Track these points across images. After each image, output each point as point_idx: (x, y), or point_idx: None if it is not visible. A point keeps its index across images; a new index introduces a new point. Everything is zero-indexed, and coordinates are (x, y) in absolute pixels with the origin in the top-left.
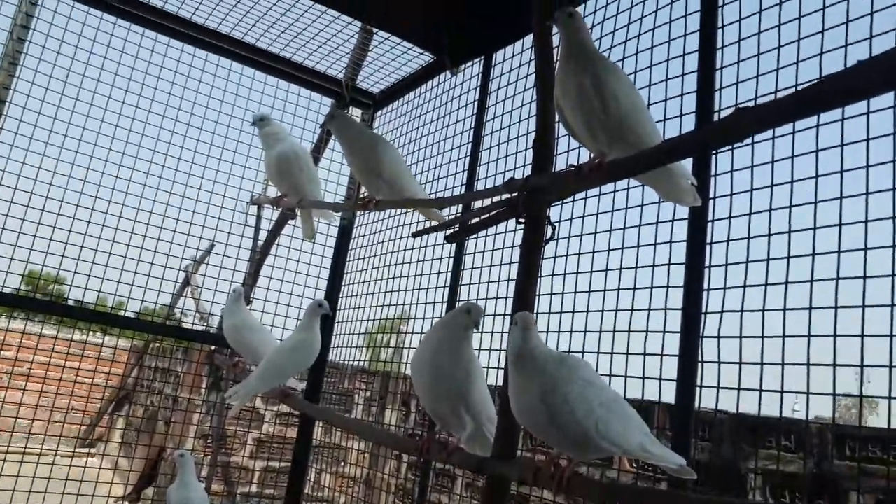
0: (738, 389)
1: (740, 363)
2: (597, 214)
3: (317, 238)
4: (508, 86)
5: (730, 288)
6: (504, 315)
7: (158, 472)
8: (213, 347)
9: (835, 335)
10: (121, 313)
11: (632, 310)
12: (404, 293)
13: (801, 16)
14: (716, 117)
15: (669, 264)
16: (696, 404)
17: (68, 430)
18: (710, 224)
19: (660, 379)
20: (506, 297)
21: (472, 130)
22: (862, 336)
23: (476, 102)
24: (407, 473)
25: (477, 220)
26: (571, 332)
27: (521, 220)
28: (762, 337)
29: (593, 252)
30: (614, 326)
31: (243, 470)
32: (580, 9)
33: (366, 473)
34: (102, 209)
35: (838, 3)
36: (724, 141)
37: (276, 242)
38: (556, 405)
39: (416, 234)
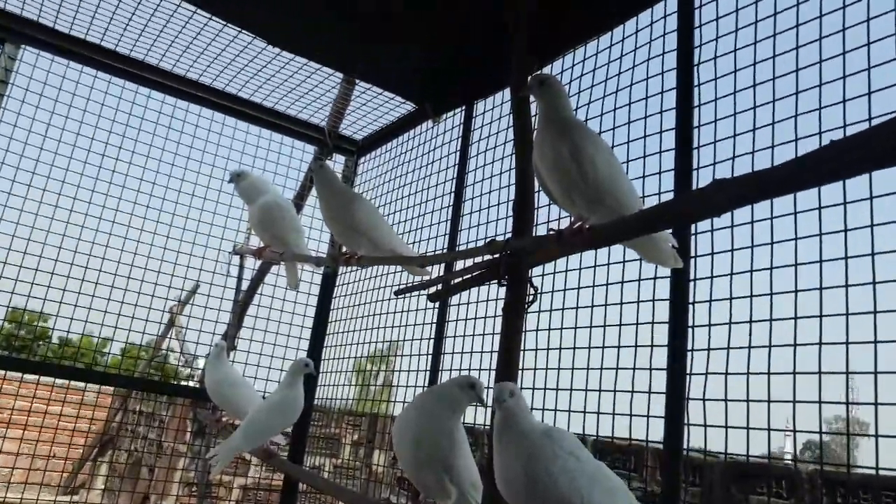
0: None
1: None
2: (579, 269)
3: (302, 284)
4: (490, 137)
5: (713, 349)
6: (489, 370)
7: None
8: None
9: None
10: (106, 349)
11: (616, 368)
12: (388, 345)
13: (775, 77)
14: (695, 175)
15: (653, 323)
16: (685, 448)
17: (49, 478)
18: (692, 283)
19: (647, 439)
20: (491, 352)
21: (454, 180)
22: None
23: (458, 152)
24: None
25: (459, 280)
26: (557, 389)
27: (504, 282)
28: (747, 400)
29: (577, 307)
30: (600, 385)
31: None
32: (557, 64)
33: None
34: (85, 251)
35: (812, 65)
36: (705, 214)
37: (260, 291)
38: (540, 479)
39: (398, 293)
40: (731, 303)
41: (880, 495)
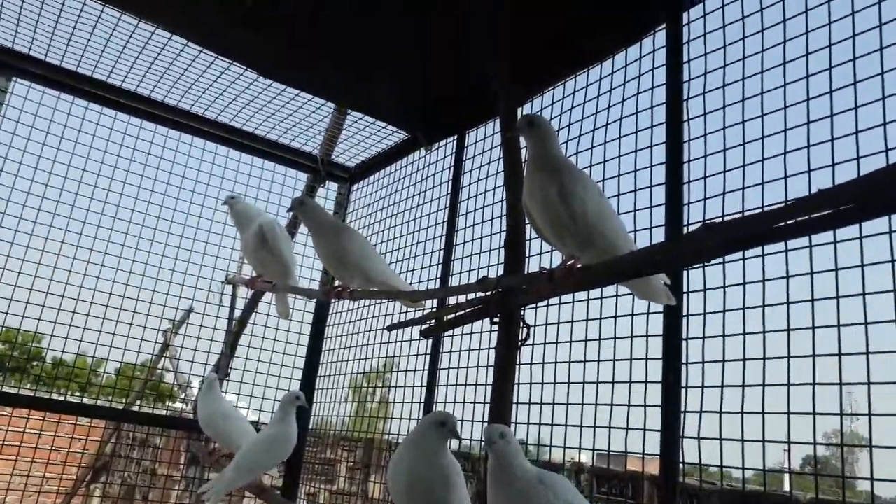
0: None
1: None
2: (572, 302)
3: (296, 309)
4: (482, 167)
5: (707, 387)
6: (484, 403)
7: None
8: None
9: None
10: (101, 369)
11: (611, 405)
12: (383, 376)
13: (764, 114)
14: (685, 210)
15: (647, 359)
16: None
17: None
18: (685, 319)
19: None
20: (486, 385)
21: (447, 209)
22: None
23: (450, 181)
24: None
25: (452, 316)
26: (552, 424)
27: (496, 320)
28: (742, 440)
29: (570, 341)
30: (595, 420)
31: None
32: (548, 96)
33: None
34: (80, 270)
35: (800, 126)
36: (694, 259)
37: (252, 321)
38: None
39: (391, 328)
40: (724, 340)
41: None
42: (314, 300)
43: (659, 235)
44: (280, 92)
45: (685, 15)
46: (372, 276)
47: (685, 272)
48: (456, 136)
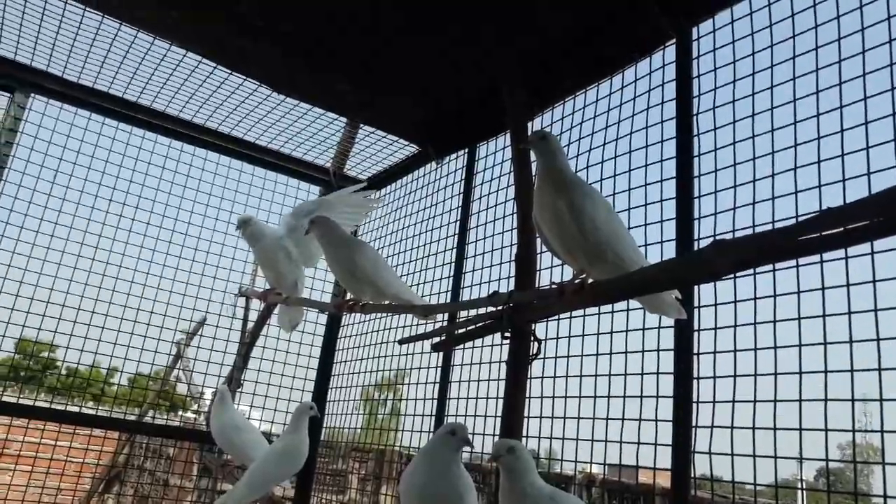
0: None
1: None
2: (583, 316)
3: (307, 324)
4: (492, 180)
5: (719, 402)
6: (495, 416)
7: None
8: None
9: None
10: (114, 380)
11: (623, 419)
12: (394, 388)
13: (774, 129)
14: (696, 225)
15: (658, 373)
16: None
17: None
18: (696, 333)
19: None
20: (497, 398)
21: (458, 222)
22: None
23: (461, 195)
24: None
25: (463, 331)
26: (563, 438)
27: (507, 335)
28: (753, 455)
29: (582, 355)
30: (606, 435)
31: None
32: (558, 110)
33: None
34: (95, 283)
35: (810, 141)
36: (706, 278)
37: (265, 334)
38: None
39: (403, 342)
40: (735, 355)
41: None
42: (326, 312)
43: (669, 250)
44: (293, 106)
45: (694, 30)
46: (384, 289)
47: (696, 287)
48: (466, 150)
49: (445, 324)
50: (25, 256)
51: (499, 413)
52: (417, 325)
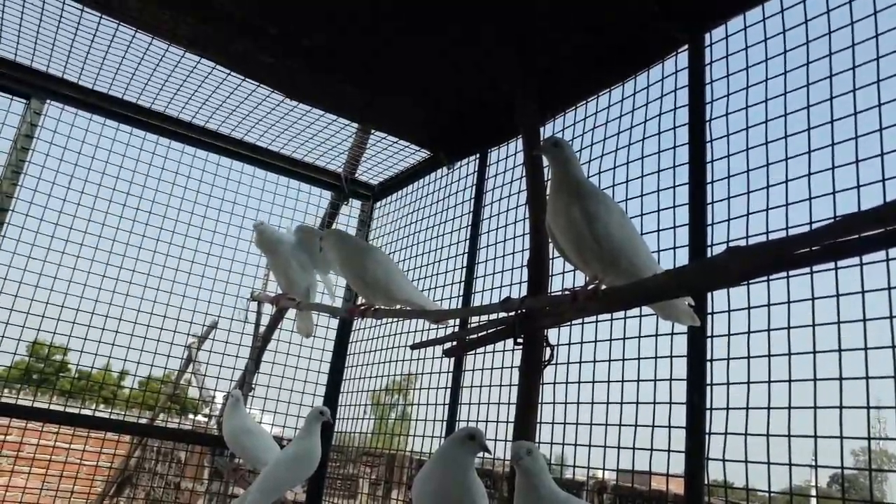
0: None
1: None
2: (596, 322)
3: (318, 329)
4: (504, 186)
5: (733, 409)
6: (507, 422)
7: None
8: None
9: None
10: (125, 383)
11: (635, 425)
12: (404, 394)
13: (787, 135)
14: (709, 231)
15: (671, 379)
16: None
17: None
18: (709, 340)
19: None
20: (508, 403)
21: (469, 228)
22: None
23: (472, 200)
24: None
25: (475, 336)
26: (576, 444)
27: (520, 340)
28: (768, 462)
29: (594, 361)
30: (619, 441)
31: None
32: (570, 116)
33: None
34: (109, 288)
35: (824, 147)
36: (720, 284)
37: (277, 337)
38: None
39: (414, 347)
40: (748, 361)
41: None
42: (338, 317)
43: (682, 256)
44: (305, 112)
45: (707, 36)
46: (395, 294)
47: (709, 293)
48: (478, 155)
49: (457, 329)
50: (41, 261)
51: (510, 418)
52: (429, 330)
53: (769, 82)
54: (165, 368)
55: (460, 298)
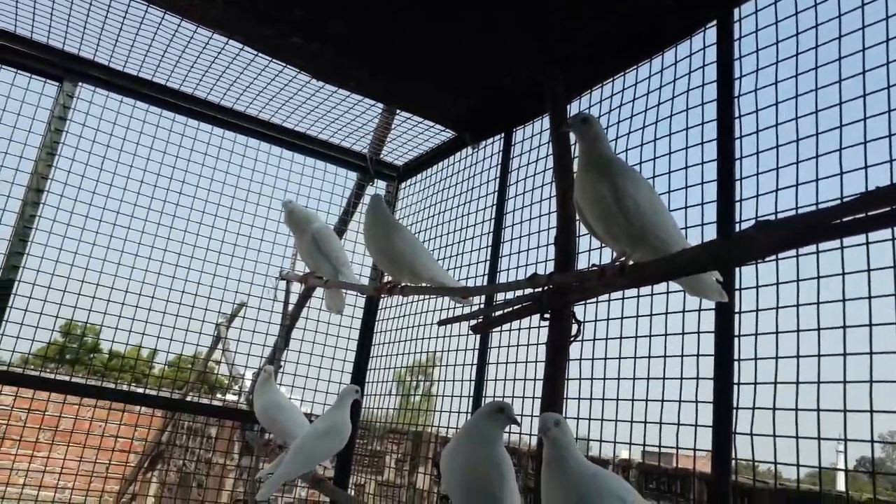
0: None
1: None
2: (622, 299)
3: (346, 304)
4: (529, 165)
5: (761, 383)
6: (533, 397)
7: None
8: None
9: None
10: (155, 361)
11: (662, 400)
12: (428, 365)
13: (818, 110)
14: (738, 207)
15: (698, 355)
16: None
17: (100, 492)
18: (737, 316)
19: (694, 469)
20: (535, 379)
21: (494, 207)
22: None
23: (497, 179)
24: None
25: (502, 312)
26: (602, 419)
27: (546, 316)
28: (796, 436)
29: (621, 337)
30: (645, 416)
31: None
32: (596, 94)
33: None
34: (141, 266)
35: (856, 122)
36: (748, 258)
37: (305, 316)
38: None
39: (442, 323)
40: (777, 337)
41: None
42: (364, 295)
43: (710, 232)
44: (332, 94)
45: (736, 11)
46: (421, 273)
47: (737, 269)
48: (503, 135)
49: (484, 306)
50: (75, 240)
51: (536, 395)
52: (454, 308)
53: (799, 57)
54: (197, 345)
55: (485, 277)
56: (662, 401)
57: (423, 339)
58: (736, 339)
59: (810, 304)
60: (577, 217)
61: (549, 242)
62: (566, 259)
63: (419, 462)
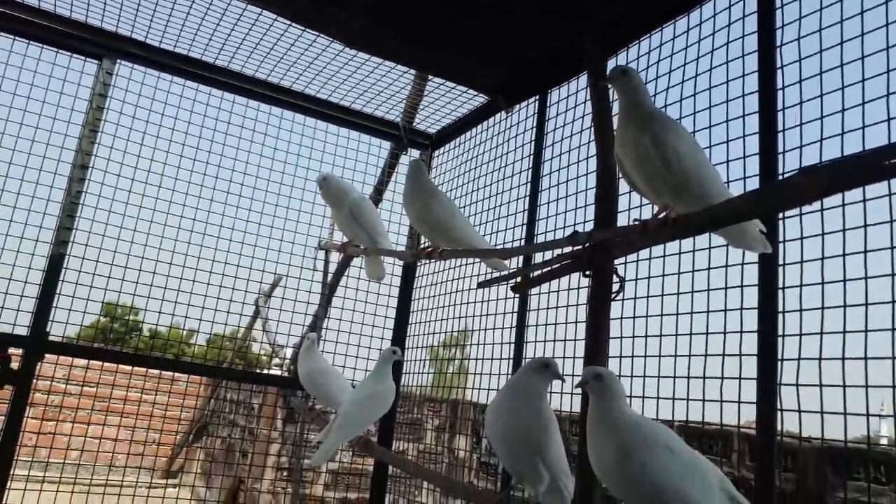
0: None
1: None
2: (663, 256)
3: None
4: (565, 126)
5: (806, 334)
6: (574, 357)
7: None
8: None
9: None
10: (192, 340)
11: (705, 355)
12: (463, 331)
13: (864, 56)
14: (780, 159)
15: (742, 309)
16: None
17: (149, 462)
18: (780, 268)
19: (738, 424)
20: (575, 340)
21: (530, 170)
22: None
23: (533, 142)
24: None
25: (541, 272)
26: (644, 376)
27: (587, 274)
28: (843, 385)
29: (662, 295)
30: (688, 371)
31: (320, 502)
32: (633, 50)
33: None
34: (182, 250)
35: None
36: (793, 205)
37: (344, 285)
38: (634, 473)
39: (481, 285)
40: (822, 287)
41: None
42: (403, 262)
43: (753, 185)
44: (364, 62)
45: None
46: (459, 238)
47: (781, 220)
48: (538, 96)
49: (523, 267)
50: (120, 215)
51: (578, 355)
52: (491, 273)
53: (844, 2)
54: (237, 326)
55: (522, 241)
56: (706, 355)
57: (461, 304)
58: (780, 292)
59: (857, 252)
60: (619, 173)
61: (588, 203)
62: (606, 218)
63: (458, 428)
